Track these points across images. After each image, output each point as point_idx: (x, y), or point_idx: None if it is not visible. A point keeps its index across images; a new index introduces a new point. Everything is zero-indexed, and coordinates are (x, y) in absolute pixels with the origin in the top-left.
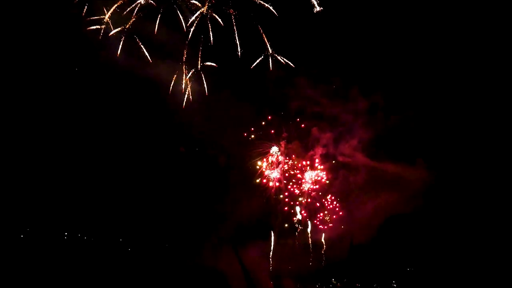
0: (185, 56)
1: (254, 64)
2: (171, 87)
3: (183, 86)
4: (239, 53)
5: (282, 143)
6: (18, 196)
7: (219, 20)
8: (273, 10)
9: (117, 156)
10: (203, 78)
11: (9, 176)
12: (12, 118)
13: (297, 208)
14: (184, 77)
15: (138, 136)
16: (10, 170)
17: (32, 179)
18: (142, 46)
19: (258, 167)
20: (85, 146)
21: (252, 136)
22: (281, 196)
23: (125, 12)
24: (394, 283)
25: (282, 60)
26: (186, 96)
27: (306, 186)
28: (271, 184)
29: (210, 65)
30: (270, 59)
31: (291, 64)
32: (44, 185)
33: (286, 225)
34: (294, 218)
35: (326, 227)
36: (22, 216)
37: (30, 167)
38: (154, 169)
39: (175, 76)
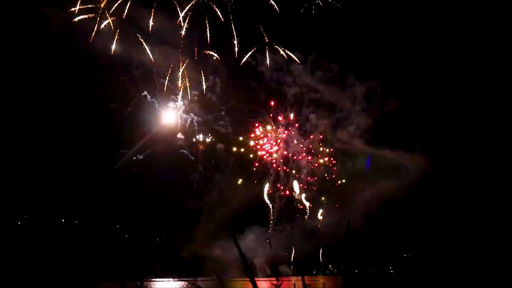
0: (181, 44)
1: (250, 53)
2: (167, 77)
3: (180, 75)
4: (236, 42)
5: (281, 129)
6: (15, 184)
7: (217, 10)
8: (274, 4)
9: (113, 145)
10: (201, 73)
11: (7, 165)
12: (8, 110)
13: (295, 193)
14: (180, 65)
15: (134, 124)
16: (7, 159)
17: (29, 169)
18: (142, 40)
19: (256, 152)
20: (82, 136)
21: (251, 122)
22: (280, 181)
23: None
24: (391, 269)
25: (281, 50)
26: (182, 85)
27: (304, 171)
28: (270, 169)
29: (208, 53)
30: (266, 48)
31: (295, 58)
32: (41, 174)
33: (284, 211)
34: (293, 204)
35: (323, 212)
36: (19, 203)
37: (28, 156)
38: (150, 155)
39: (171, 65)
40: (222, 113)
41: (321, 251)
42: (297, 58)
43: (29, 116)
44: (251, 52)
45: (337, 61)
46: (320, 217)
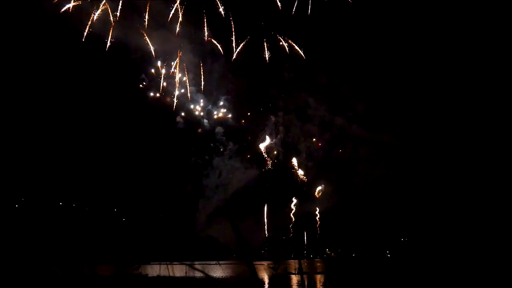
0: (178, 32)
1: (244, 42)
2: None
3: (177, 62)
4: (233, 31)
5: (280, 114)
6: (13, 166)
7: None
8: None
9: (112, 128)
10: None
11: (5, 146)
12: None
13: (295, 168)
14: (178, 53)
15: (134, 109)
16: (5, 140)
17: (28, 150)
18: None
19: (255, 137)
20: (80, 119)
21: (250, 106)
22: (279, 166)
23: None
24: (388, 253)
25: (282, 40)
26: (179, 71)
27: (304, 155)
28: (269, 153)
29: (206, 39)
30: (264, 33)
31: (298, 49)
32: (39, 156)
33: (282, 195)
34: (291, 187)
35: (321, 196)
36: (17, 185)
37: (25, 137)
38: (149, 141)
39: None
40: (221, 98)
41: (318, 236)
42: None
43: (27, 100)
44: (245, 42)
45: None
46: (318, 202)
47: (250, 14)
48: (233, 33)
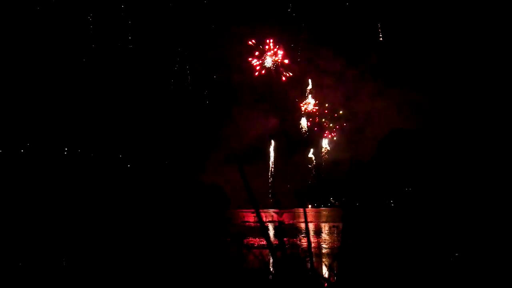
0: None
1: None
2: None
3: None
4: None
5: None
6: (18, 110)
7: None
8: None
9: (119, 77)
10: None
11: (9, 92)
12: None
13: (303, 122)
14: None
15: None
16: (10, 86)
17: (32, 95)
18: None
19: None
20: (86, 65)
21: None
22: (286, 111)
23: None
24: (391, 202)
25: None
26: None
27: (312, 96)
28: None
29: None
30: None
31: None
32: (43, 100)
33: (288, 143)
34: (298, 138)
35: (327, 148)
36: (22, 129)
37: (31, 84)
38: (157, 87)
39: None
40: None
41: (323, 184)
42: None
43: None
44: None
45: None
46: (324, 150)
47: None
48: None
